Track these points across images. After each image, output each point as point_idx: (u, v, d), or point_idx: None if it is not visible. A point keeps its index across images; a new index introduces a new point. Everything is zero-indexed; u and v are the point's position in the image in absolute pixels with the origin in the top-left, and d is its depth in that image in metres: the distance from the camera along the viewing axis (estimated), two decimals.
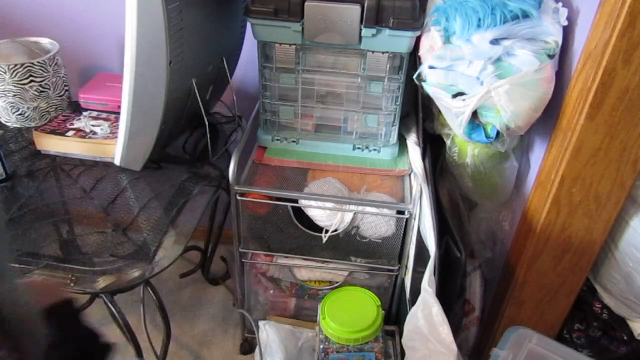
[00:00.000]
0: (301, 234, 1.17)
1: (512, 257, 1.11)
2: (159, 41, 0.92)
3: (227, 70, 1.26)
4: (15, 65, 1.19)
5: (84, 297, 1.60)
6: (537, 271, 1.05)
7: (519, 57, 0.87)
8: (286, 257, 1.26)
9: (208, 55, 1.15)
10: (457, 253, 1.15)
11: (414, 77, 1.01)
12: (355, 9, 0.98)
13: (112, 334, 1.61)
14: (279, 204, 1.14)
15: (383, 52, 1.05)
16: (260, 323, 1.34)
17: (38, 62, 1.23)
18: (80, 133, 1.22)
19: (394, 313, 1.33)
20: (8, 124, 1.30)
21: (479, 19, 0.88)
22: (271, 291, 1.36)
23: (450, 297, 1.21)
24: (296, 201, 1.13)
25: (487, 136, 0.95)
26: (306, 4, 0.99)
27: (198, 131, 1.34)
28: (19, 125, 1.30)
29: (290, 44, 1.06)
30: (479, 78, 0.89)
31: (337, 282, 1.27)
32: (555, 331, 1.14)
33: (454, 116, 0.95)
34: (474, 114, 0.93)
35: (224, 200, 1.39)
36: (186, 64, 1.03)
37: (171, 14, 0.92)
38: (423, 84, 0.99)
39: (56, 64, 1.27)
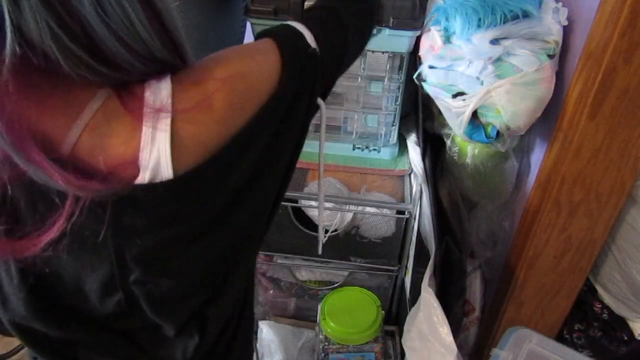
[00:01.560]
0: (301, 234, 1.17)
1: (512, 257, 1.11)
2: None
3: None
4: None
5: None
6: (537, 271, 1.05)
7: (519, 57, 0.87)
8: (286, 257, 1.26)
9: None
10: (457, 253, 1.15)
11: (414, 77, 1.00)
12: None
13: None
14: None
15: (383, 52, 1.05)
16: (260, 323, 1.34)
17: None
18: None
19: (394, 313, 1.33)
20: None
21: (479, 19, 0.88)
22: (271, 291, 1.36)
23: (450, 297, 1.21)
24: (296, 201, 1.13)
25: (487, 136, 0.95)
26: (306, 3, 0.99)
27: None
28: None
29: None
30: (479, 78, 0.89)
31: (337, 282, 1.27)
32: (556, 331, 1.14)
33: (454, 116, 0.94)
34: (474, 114, 0.93)
35: None
36: None
37: None
38: (423, 83, 0.99)
39: None
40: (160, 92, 0.46)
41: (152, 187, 0.45)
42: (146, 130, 0.44)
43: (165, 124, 0.45)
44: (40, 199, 0.45)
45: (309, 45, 0.56)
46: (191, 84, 0.48)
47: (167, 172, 0.45)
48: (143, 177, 0.45)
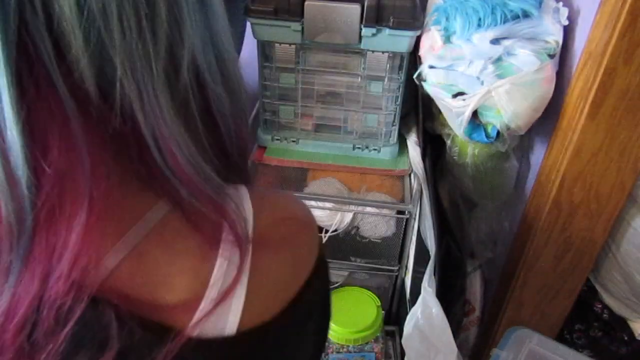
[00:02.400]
0: None
1: (512, 257, 1.10)
2: None
3: None
4: None
5: None
6: (537, 271, 1.05)
7: (519, 56, 0.87)
8: None
9: None
10: (457, 253, 1.15)
11: (414, 77, 1.00)
12: (355, 8, 0.98)
13: None
14: None
15: (383, 52, 1.05)
16: None
17: None
18: None
19: (394, 313, 1.33)
20: None
21: (480, 19, 0.88)
22: None
23: (450, 297, 1.21)
24: None
25: (487, 136, 0.95)
26: (306, 3, 0.99)
27: None
28: None
29: (290, 44, 1.06)
30: (479, 78, 0.89)
31: (336, 282, 1.27)
32: (556, 331, 1.14)
33: (454, 116, 0.94)
34: (474, 114, 0.93)
35: None
36: None
37: None
38: (423, 83, 0.99)
39: None
40: (243, 210, 0.35)
41: (207, 345, 0.33)
42: (221, 264, 0.33)
43: (245, 262, 0.33)
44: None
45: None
46: (271, 207, 0.38)
47: (230, 327, 0.33)
48: (196, 327, 0.32)
